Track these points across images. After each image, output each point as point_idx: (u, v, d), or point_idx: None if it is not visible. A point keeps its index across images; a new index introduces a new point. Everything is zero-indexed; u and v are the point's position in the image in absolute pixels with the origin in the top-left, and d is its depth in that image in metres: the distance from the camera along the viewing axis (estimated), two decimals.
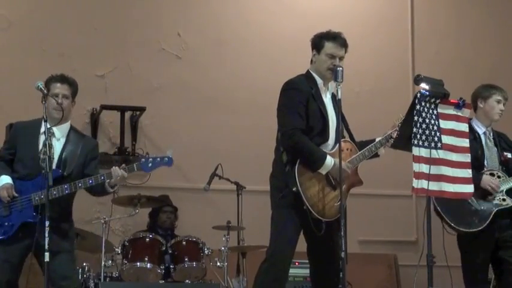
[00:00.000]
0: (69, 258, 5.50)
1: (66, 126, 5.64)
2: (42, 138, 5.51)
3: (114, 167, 5.45)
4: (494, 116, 6.18)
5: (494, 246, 6.03)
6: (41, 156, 5.47)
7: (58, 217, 5.41)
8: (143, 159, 5.53)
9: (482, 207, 5.96)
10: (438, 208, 5.93)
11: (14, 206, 5.43)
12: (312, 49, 5.47)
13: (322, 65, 5.37)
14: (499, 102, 6.19)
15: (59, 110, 5.47)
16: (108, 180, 5.44)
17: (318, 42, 5.42)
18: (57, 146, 5.54)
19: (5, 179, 5.44)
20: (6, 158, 5.58)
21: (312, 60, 5.49)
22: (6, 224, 5.40)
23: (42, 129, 5.47)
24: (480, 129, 6.20)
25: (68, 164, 5.52)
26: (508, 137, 6.35)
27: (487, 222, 5.92)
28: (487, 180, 5.98)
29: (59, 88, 5.57)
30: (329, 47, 5.38)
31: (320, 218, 5.21)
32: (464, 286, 6.12)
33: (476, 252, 6.01)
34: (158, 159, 5.55)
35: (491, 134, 6.22)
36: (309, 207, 5.16)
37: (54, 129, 5.54)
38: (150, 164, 5.53)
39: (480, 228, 5.91)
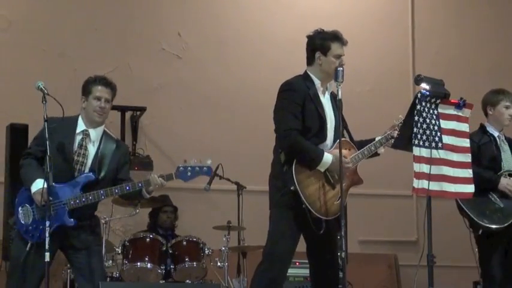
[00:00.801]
0: (101, 255, 5.58)
1: (100, 130, 5.55)
2: (77, 138, 5.46)
3: (152, 175, 5.43)
4: (504, 121, 6.22)
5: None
6: (75, 158, 5.41)
7: (89, 217, 5.45)
8: (182, 168, 5.48)
9: (505, 205, 5.97)
10: (462, 205, 5.94)
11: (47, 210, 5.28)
12: (315, 50, 5.41)
13: (331, 66, 5.33)
14: (507, 107, 6.21)
15: (100, 113, 5.44)
16: (144, 187, 5.41)
17: (323, 45, 5.38)
18: (91, 149, 5.47)
19: (41, 183, 5.24)
20: (38, 156, 5.43)
21: (310, 61, 5.46)
22: (41, 227, 5.27)
23: (78, 129, 5.46)
24: (494, 133, 6.23)
25: (102, 168, 5.45)
26: None
27: (511, 221, 5.93)
28: (504, 183, 6.01)
29: (103, 92, 5.48)
30: (335, 48, 5.38)
31: (320, 216, 5.21)
32: (483, 285, 6.17)
33: (492, 248, 6.01)
34: (197, 168, 5.52)
35: (505, 138, 6.26)
36: (308, 205, 5.16)
37: (90, 131, 5.48)
38: (189, 174, 5.49)
39: (505, 225, 5.92)
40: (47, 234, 4.98)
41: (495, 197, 5.98)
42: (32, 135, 7.47)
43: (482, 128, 6.24)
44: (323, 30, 5.46)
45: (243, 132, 8.90)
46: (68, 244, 5.38)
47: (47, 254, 4.97)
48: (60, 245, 5.41)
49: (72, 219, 5.32)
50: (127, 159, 5.73)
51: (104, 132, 5.58)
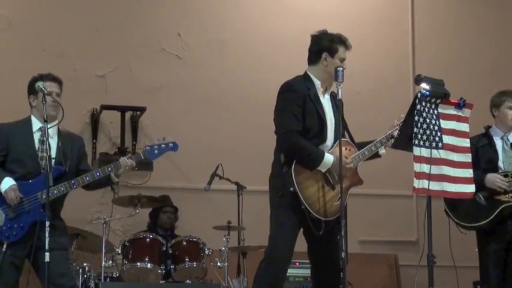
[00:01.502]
0: (65, 256, 5.51)
1: (55, 124, 5.61)
2: (36, 136, 5.53)
3: (121, 158, 5.54)
4: (509, 122, 6.23)
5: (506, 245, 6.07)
6: (39, 154, 5.48)
7: (57, 215, 5.45)
8: (148, 147, 5.60)
9: (489, 204, 6.00)
10: (445, 207, 5.99)
11: (21, 208, 5.38)
12: (322, 51, 5.41)
13: (333, 68, 5.34)
14: (511, 108, 6.21)
15: (55, 106, 5.49)
16: (114, 171, 5.51)
17: (331, 46, 5.39)
18: (52, 143, 5.52)
19: (9, 181, 5.36)
20: None
21: (314, 61, 5.46)
22: (15, 226, 5.34)
23: (34, 128, 5.53)
24: (498, 135, 6.24)
25: (67, 160, 5.53)
26: None
27: (494, 215, 5.96)
28: (491, 179, 6.01)
29: (52, 87, 5.58)
30: (341, 51, 5.40)
31: (319, 217, 5.21)
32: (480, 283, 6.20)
33: (488, 248, 6.05)
34: (163, 145, 5.65)
35: (509, 139, 6.24)
36: (307, 206, 5.16)
37: (49, 127, 5.49)
38: (156, 151, 5.62)
39: (486, 221, 5.95)
40: (46, 235, 4.98)
41: (480, 196, 5.98)
42: None
43: (485, 131, 6.27)
44: (327, 31, 5.46)
45: (243, 132, 8.90)
46: (39, 244, 5.26)
47: (47, 254, 4.97)
48: (32, 245, 5.35)
49: (44, 213, 5.28)
50: (84, 151, 5.82)
51: (58, 127, 5.64)
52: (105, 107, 8.50)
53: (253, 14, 9.27)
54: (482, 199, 5.99)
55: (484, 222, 5.99)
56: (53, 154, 5.47)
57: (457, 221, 6.05)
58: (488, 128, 6.29)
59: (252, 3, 9.32)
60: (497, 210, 5.98)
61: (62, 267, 5.40)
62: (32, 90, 5.60)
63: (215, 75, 9.00)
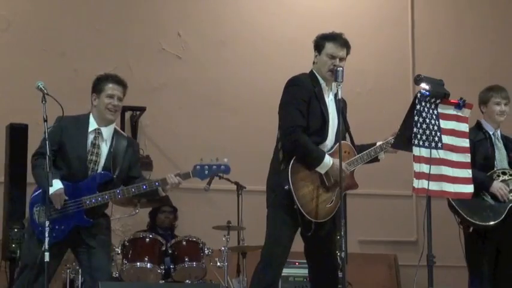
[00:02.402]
0: (102, 252, 5.44)
1: (112, 128, 5.51)
2: (90, 137, 5.42)
3: (168, 175, 5.40)
4: (497, 118, 6.19)
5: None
6: (89, 157, 5.37)
7: (100, 214, 5.45)
8: (198, 166, 5.48)
9: (496, 203, 5.98)
10: (452, 202, 5.94)
11: (65, 210, 5.31)
12: (314, 50, 5.47)
13: (323, 66, 5.37)
14: (498, 104, 6.19)
15: (113, 111, 5.42)
16: (161, 186, 5.39)
17: (319, 43, 5.43)
18: (104, 147, 5.43)
19: (57, 184, 5.22)
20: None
21: (314, 61, 5.49)
22: (56, 227, 5.28)
23: (90, 128, 5.43)
24: (490, 130, 6.21)
25: (116, 166, 5.42)
26: None
27: (502, 216, 5.93)
28: (497, 186, 5.99)
29: (115, 90, 5.46)
30: (329, 47, 5.38)
31: (310, 218, 5.21)
32: (470, 284, 6.14)
33: (485, 248, 6.01)
34: (214, 166, 5.52)
35: (500, 136, 6.23)
36: (299, 206, 5.16)
37: (102, 129, 5.45)
38: (206, 172, 5.51)
39: (495, 222, 5.92)
40: (46, 235, 4.96)
41: (487, 195, 5.98)
42: (31, 135, 7.50)
43: (478, 124, 6.23)
44: (332, 32, 5.47)
45: (243, 132, 8.90)
46: (81, 242, 5.34)
47: (47, 254, 4.95)
48: (72, 245, 5.41)
49: (88, 219, 5.32)
50: (138, 156, 5.74)
51: (115, 130, 5.54)
52: None
53: (253, 14, 9.27)
54: (489, 198, 5.98)
55: (492, 223, 5.93)
56: (103, 159, 5.38)
57: (466, 217, 5.94)
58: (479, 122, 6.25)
59: (252, 3, 9.32)
60: (505, 212, 5.94)
61: (98, 262, 5.35)
62: (95, 88, 5.51)
63: (215, 75, 9.00)
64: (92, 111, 5.52)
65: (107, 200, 5.34)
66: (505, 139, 6.26)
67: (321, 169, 5.23)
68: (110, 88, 5.45)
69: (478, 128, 6.21)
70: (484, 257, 6.02)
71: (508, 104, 6.24)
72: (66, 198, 5.26)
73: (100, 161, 5.40)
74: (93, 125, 5.45)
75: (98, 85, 5.50)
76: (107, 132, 5.46)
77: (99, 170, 5.38)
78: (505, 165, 6.14)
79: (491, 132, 6.20)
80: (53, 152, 5.24)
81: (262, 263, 5.26)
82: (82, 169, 5.35)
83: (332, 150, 5.31)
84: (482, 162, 6.07)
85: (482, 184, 5.92)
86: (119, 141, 5.49)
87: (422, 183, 4.93)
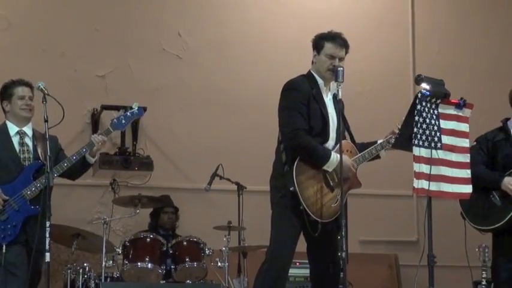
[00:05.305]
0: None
1: (31, 126, 5.89)
2: (15, 140, 5.77)
3: (92, 136, 5.86)
4: None
5: None
6: (21, 156, 5.70)
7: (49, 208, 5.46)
8: (115, 120, 5.90)
9: (503, 204, 5.89)
10: (461, 209, 5.92)
11: (9, 208, 5.55)
12: (313, 50, 5.47)
13: (322, 66, 5.38)
14: None
15: (27, 109, 5.78)
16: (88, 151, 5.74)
17: (318, 43, 5.43)
18: (30, 143, 5.80)
19: None
20: None
21: (312, 61, 5.50)
22: (8, 226, 5.52)
23: (11, 132, 5.76)
24: None
25: (42, 152, 5.71)
26: None
27: (507, 218, 5.82)
28: (506, 182, 5.87)
29: (24, 91, 5.81)
30: (328, 47, 5.38)
31: (316, 218, 5.21)
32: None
33: (502, 250, 5.95)
34: (129, 114, 5.96)
35: None
36: (306, 207, 5.17)
37: (25, 129, 5.82)
38: (123, 121, 5.91)
39: (500, 224, 5.85)
40: (47, 235, 4.99)
41: (495, 195, 5.91)
42: None
43: (502, 125, 6.10)
44: (330, 31, 5.47)
45: (244, 132, 8.90)
46: (33, 239, 5.39)
47: (48, 254, 4.99)
48: (26, 238, 5.55)
49: (33, 207, 5.54)
50: (60, 146, 6.04)
51: (32, 128, 5.90)
52: (105, 107, 8.49)
53: (253, 14, 9.27)
54: (498, 199, 5.93)
55: (498, 225, 5.86)
56: (33, 153, 5.73)
57: (473, 225, 5.91)
58: (506, 120, 6.11)
59: (252, 3, 9.32)
60: (511, 213, 5.88)
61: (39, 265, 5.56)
62: (4, 95, 5.84)
63: (215, 75, 9.00)
64: (7, 118, 5.88)
65: (44, 183, 5.42)
66: None
67: (329, 167, 5.24)
68: (20, 91, 5.81)
69: (499, 128, 6.08)
70: (499, 260, 5.93)
71: None
72: (6, 198, 5.54)
73: (32, 156, 5.75)
74: (13, 128, 5.81)
75: (6, 92, 5.87)
76: (28, 130, 5.85)
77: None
78: None
79: None
80: None
81: (266, 264, 5.27)
82: (19, 170, 5.68)
83: (334, 150, 5.31)
84: (502, 161, 5.97)
85: (492, 183, 5.87)
86: (39, 136, 5.82)
87: (422, 184, 4.93)
